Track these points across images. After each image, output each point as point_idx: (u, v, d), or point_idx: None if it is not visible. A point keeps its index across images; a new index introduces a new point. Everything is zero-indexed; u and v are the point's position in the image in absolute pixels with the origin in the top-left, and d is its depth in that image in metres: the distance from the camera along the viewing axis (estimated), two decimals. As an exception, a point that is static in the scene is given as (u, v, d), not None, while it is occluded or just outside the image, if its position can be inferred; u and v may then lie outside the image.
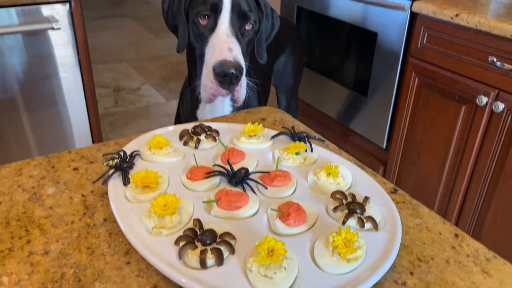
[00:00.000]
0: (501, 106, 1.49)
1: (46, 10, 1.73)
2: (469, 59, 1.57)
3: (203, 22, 1.01)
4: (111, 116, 3.00)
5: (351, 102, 2.12)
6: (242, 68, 0.95)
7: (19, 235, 0.55)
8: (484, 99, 1.53)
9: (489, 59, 1.49)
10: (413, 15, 1.71)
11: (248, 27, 1.03)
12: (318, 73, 2.27)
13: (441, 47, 1.65)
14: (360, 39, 1.98)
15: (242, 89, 0.98)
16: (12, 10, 1.68)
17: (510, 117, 1.48)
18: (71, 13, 1.78)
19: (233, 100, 1.03)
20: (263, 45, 1.14)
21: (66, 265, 0.51)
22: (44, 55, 1.78)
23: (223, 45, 0.95)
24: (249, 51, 1.08)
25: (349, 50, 2.08)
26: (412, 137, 1.85)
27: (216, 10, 1.00)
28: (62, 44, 1.83)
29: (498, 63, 1.47)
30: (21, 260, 0.51)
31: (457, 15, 1.54)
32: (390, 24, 1.80)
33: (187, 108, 1.23)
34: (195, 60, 1.06)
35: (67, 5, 1.76)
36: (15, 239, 0.54)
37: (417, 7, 1.67)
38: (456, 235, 0.57)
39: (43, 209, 0.60)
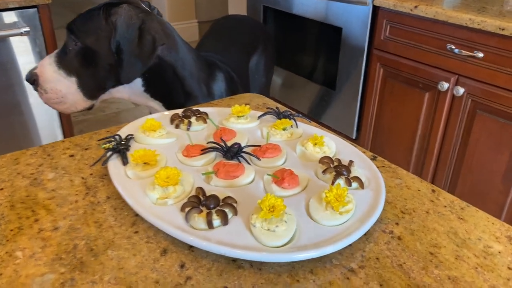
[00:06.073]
0: (461, 90, 1.59)
1: (10, 16, 1.72)
2: (429, 47, 1.66)
3: None
4: (80, 124, 2.97)
5: (321, 97, 2.19)
6: (32, 76, 1.03)
7: (26, 216, 0.57)
8: (445, 85, 1.63)
9: (448, 47, 1.59)
10: (375, 9, 1.80)
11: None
12: (288, 70, 2.34)
13: (402, 38, 1.74)
14: (326, 35, 2.05)
15: (44, 97, 1.04)
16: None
17: (470, 100, 1.59)
18: (39, 18, 1.77)
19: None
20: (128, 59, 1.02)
21: (77, 238, 0.53)
22: (5, 63, 1.77)
23: None
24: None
25: (316, 46, 2.15)
26: (380, 126, 1.94)
27: None
28: (26, 51, 1.80)
29: (456, 50, 1.57)
30: (32, 236, 0.54)
31: (416, 7, 1.64)
32: (353, 19, 1.88)
33: None
34: None
35: (34, 10, 1.75)
36: (23, 219, 0.57)
37: (379, 1, 1.75)
38: (433, 191, 0.63)
39: (46, 192, 0.62)
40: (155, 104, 1.12)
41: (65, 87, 1.02)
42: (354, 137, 2.09)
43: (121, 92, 1.08)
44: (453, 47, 1.58)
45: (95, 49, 1.00)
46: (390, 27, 1.78)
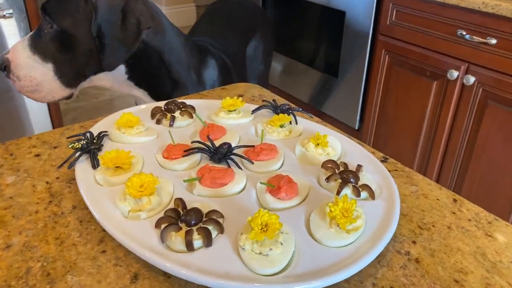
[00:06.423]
0: (471, 79, 1.49)
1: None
2: (439, 33, 1.56)
3: None
4: (73, 111, 2.88)
5: (322, 85, 2.09)
6: (3, 62, 0.93)
7: (-25, 230, 0.48)
8: (455, 73, 1.53)
9: (458, 33, 1.49)
10: (381, -8, 1.70)
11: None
12: (287, 56, 2.23)
13: (410, 23, 1.64)
14: (328, 19, 1.95)
15: (17, 84, 0.94)
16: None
17: (481, 89, 1.49)
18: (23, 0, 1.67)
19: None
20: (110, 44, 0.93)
21: (32, 259, 0.45)
22: None
23: None
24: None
25: (317, 32, 2.04)
26: (384, 116, 1.84)
27: None
28: (15, 34, 1.70)
29: (467, 36, 1.46)
30: (-21, 256, 0.45)
31: (425, -10, 1.53)
32: (357, 2, 1.77)
33: None
34: None
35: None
36: (-29, 234, 0.48)
37: (385, -17, 1.65)
38: (455, 200, 0.54)
39: (2, 200, 0.53)
40: (140, 93, 1.02)
41: (41, 74, 0.92)
42: (356, 128, 2.00)
43: (102, 80, 0.99)
44: (464, 33, 1.47)
45: (73, 33, 0.90)
46: (396, 11, 1.67)
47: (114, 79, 0.99)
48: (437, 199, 0.54)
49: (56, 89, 0.95)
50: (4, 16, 1.60)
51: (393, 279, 0.43)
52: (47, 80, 0.93)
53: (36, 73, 0.92)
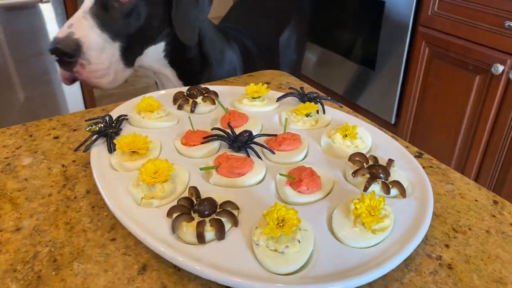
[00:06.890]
0: (518, 74, 1.40)
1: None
2: (484, 25, 1.47)
3: None
4: (108, 98, 2.91)
5: (358, 77, 2.03)
6: (74, 44, 0.80)
7: (-13, 211, 0.47)
8: (500, 68, 1.44)
9: (506, 24, 1.40)
10: (423, -20, 1.61)
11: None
12: (323, 47, 2.18)
13: (453, 13, 1.55)
14: (367, 9, 1.88)
15: (86, 70, 0.82)
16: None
17: (528, 86, 1.40)
18: (60, -16, 1.68)
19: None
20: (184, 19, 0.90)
21: (40, 243, 0.43)
22: (36, 30, 1.68)
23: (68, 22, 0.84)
24: (129, 23, 0.87)
25: (354, 22, 1.98)
26: (422, 111, 1.77)
27: None
28: (51, 19, 1.72)
29: (516, 28, 1.37)
30: (-12, 238, 0.44)
31: (471, -22, 1.44)
32: (398, -9, 1.70)
33: None
34: None
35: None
36: (-17, 215, 0.47)
37: (428, -28, 1.57)
38: (495, 202, 0.49)
39: (16, 181, 0.52)
40: (169, 71, 0.98)
41: (110, 55, 0.84)
42: (393, 122, 1.93)
43: (147, 56, 0.93)
44: (512, 25, 1.38)
45: (151, 5, 0.84)
46: (439, 1, 1.59)
47: (153, 56, 0.94)
48: (475, 200, 0.49)
49: (120, 71, 0.87)
50: (41, 1, 1.62)
51: (421, 285, 0.39)
52: (115, 61, 0.85)
53: (106, 54, 0.84)
